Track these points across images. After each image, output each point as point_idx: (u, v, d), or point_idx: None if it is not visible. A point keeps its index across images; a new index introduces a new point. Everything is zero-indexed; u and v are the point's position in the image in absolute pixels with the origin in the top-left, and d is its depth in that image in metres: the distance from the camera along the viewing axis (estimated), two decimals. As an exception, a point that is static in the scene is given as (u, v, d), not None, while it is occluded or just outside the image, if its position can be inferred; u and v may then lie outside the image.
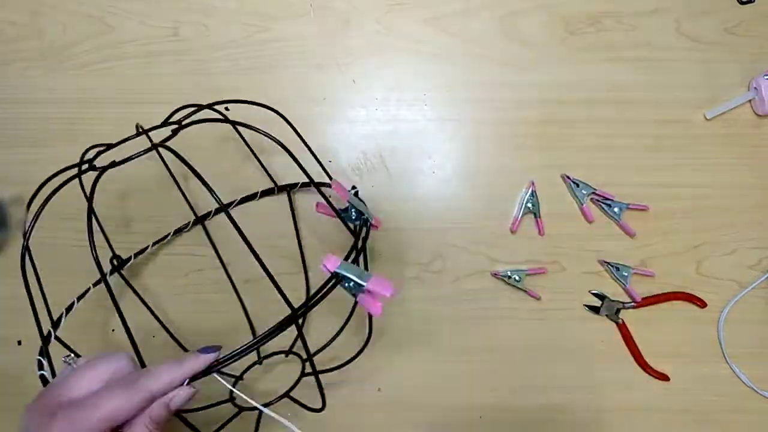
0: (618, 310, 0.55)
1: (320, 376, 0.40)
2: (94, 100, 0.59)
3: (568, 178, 0.56)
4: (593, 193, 0.56)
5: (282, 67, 0.59)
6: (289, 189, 0.56)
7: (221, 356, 0.35)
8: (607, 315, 0.55)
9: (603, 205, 0.56)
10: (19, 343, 0.56)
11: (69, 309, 0.48)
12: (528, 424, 0.54)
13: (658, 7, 0.59)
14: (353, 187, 0.51)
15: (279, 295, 0.34)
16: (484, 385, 0.54)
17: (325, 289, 0.37)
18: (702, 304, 0.55)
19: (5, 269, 0.55)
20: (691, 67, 0.58)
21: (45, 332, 0.41)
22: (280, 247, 0.56)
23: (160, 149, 0.36)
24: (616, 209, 0.55)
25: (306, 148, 0.47)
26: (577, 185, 0.56)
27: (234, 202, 0.57)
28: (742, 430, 0.53)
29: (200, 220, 0.57)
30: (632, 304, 0.54)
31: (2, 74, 0.60)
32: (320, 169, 0.49)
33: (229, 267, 0.56)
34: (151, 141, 0.37)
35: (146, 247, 0.55)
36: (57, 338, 0.43)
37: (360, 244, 0.41)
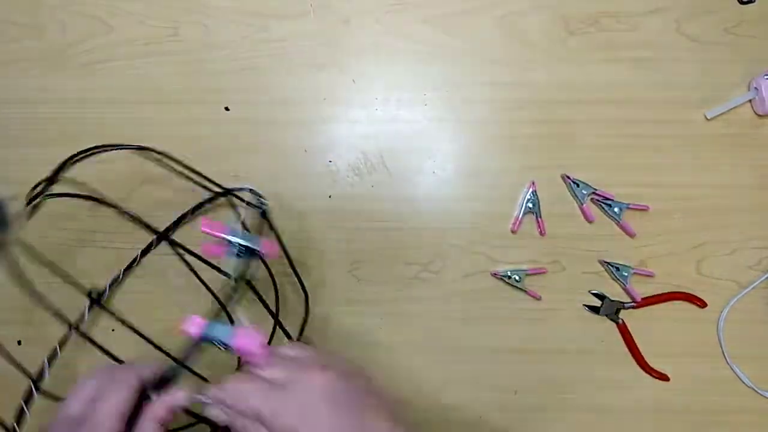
0: (618, 310, 0.55)
1: None
2: (94, 100, 0.59)
3: (568, 178, 0.56)
4: (593, 193, 0.56)
5: (282, 67, 0.59)
6: (227, 193, 0.55)
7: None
8: (607, 315, 0.55)
9: (603, 205, 0.56)
10: (19, 343, 0.56)
11: (51, 359, 0.47)
12: (528, 424, 0.54)
13: (658, 7, 0.59)
14: (261, 205, 0.47)
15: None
16: (484, 385, 0.54)
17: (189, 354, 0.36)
18: (702, 304, 0.55)
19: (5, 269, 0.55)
20: (691, 67, 0.58)
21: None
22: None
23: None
24: (616, 209, 0.55)
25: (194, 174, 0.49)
26: (577, 185, 0.56)
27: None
28: (742, 430, 0.53)
29: (96, 301, 0.55)
30: (632, 304, 0.54)
31: (2, 74, 0.60)
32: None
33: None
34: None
35: (118, 276, 0.55)
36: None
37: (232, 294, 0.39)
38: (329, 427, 0.34)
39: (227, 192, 0.52)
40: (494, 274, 0.55)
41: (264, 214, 0.45)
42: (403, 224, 0.57)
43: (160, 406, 0.35)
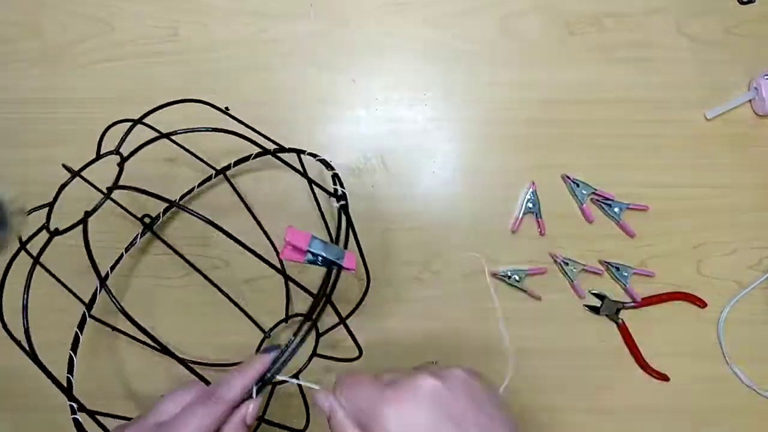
0: (618, 310, 0.55)
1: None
2: (95, 100, 0.59)
3: (568, 178, 0.56)
4: (593, 193, 0.56)
5: (282, 67, 0.59)
6: (224, 171, 0.55)
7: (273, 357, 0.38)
8: (607, 315, 0.55)
9: (603, 205, 0.56)
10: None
11: (70, 368, 0.46)
12: (528, 424, 0.54)
13: (658, 7, 0.59)
14: (341, 216, 0.46)
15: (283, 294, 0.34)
16: (484, 385, 0.54)
17: (331, 281, 0.37)
18: (702, 304, 0.55)
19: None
20: (691, 67, 0.58)
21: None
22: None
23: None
24: (616, 209, 0.55)
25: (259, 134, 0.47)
26: (577, 185, 0.56)
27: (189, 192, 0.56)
28: (742, 430, 0.53)
29: (149, 226, 0.55)
30: (632, 304, 0.55)
31: (2, 74, 0.60)
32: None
33: (229, 267, 0.56)
34: (99, 190, 0.35)
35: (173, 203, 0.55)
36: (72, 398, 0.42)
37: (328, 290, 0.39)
38: None
39: (302, 152, 0.50)
40: (494, 274, 0.55)
41: (343, 198, 0.43)
42: (403, 224, 0.57)
43: (234, 427, 0.36)
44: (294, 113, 0.59)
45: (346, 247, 0.37)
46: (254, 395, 0.36)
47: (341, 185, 0.43)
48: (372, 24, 0.60)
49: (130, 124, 0.41)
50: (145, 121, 0.42)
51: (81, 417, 0.40)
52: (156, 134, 0.41)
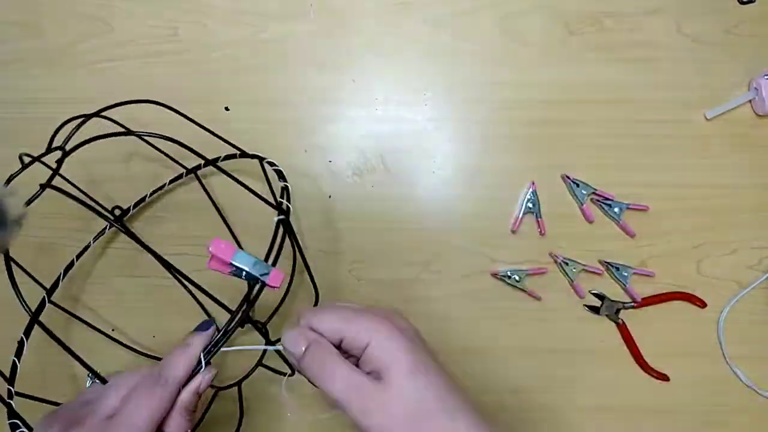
0: (618, 310, 0.55)
1: None
2: (94, 100, 0.59)
3: (568, 178, 0.56)
4: (593, 193, 0.56)
5: (282, 67, 0.59)
6: (195, 170, 0.56)
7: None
8: (607, 315, 0.55)
9: (603, 205, 0.56)
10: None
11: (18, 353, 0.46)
12: (528, 424, 0.54)
13: (658, 7, 0.59)
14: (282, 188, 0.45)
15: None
16: (484, 385, 0.54)
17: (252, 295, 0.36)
18: (702, 304, 0.55)
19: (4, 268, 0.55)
20: (691, 67, 0.58)
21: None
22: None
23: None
24: (616, 209, 0.55)
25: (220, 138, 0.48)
26: (577, 185, 0.56)
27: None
28: (742, 430, 0.53)
29: (118, 220, 0.55)
30: (632, 304, 0.54)
31: (2, 74, 0.60)
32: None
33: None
34: (58, 186, 0.36)
35: (144, 198, 0.55)
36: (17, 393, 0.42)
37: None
38: (404, 351, 0.33)
39: (253, 156, 0.50)
40: (494, 274, 0.55)
41: (285, 213, 0.42)
42: (403, 224, 0.57)
43: (185, 395, 0.35)
44: (294, 113, 0.59)
45: (275, 264, 0.37)
46: (203, 366, 0.36)
47: (288, 200, 0.42)
48: (372, 24, 0.60)
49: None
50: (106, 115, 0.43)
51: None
52: (112, 132, 0.41)
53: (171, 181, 0.57)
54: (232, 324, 0.35)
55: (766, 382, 0.53)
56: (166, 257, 0.35)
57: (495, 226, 0.56)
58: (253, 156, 0.48)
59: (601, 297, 0.55)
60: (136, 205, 0.56)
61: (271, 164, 0.48)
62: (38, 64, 0.60)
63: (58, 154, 0.41)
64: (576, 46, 0.59)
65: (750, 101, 0.57)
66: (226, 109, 0.59)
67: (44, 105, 0.59)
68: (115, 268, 0.57)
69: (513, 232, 0.56)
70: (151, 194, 0.57)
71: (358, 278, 0.56)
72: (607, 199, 0.56)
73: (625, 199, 0.56)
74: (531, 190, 0.56)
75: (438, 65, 0.59)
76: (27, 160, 0.39)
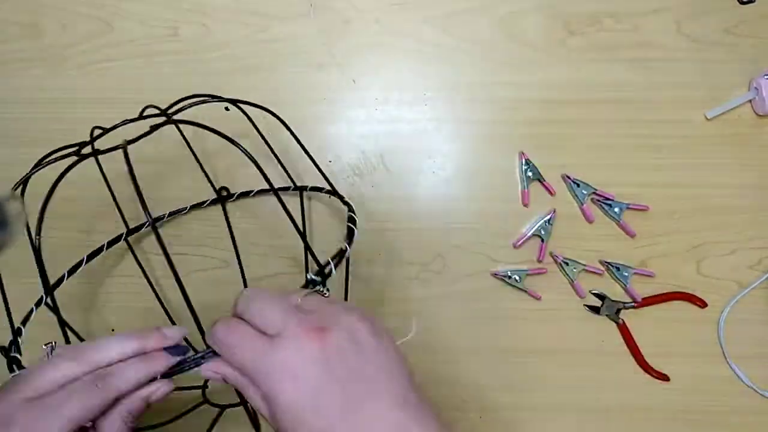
0: (618, 310, 0.55)
1: None
2: (95, 100, 0.59)
3: (568, 178, 0.56)
4: (593, 193, 0.56)
5: (282, 67, 0.59)
6: (224, 199, 0.56)
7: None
8: (607, 315, 0.55)
9: (603, 205, 0.56)
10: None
11: (19, 331, 0.44)
12: (527, 424, 0.54)
13: (658, 7, 0.59)
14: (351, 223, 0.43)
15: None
16: (484, 385, 0.54)
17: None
18: (702, 304, 0.55)
19: (5, 268, 0.55)
20: (691, 67, 0.58)
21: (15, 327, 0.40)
22: (278, 248, 0.56)
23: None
24: (616, 209, 0.55)
25: (305, 153, 0.48)
26: (577, 185, 0.56)
27: (233, 194, 0.57)
28: (742, 430, 0.53)
29: (151, 221, 0.54)
30: (632, 304, 0.55)
31: (2, 74, 0.60)
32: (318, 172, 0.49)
33: (229, 267, 0.56)
34: (167, 115, 0.36)
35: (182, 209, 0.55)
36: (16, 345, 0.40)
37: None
38: (312, 404, 0.29)
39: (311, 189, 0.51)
40: (494, 274, 0.55)
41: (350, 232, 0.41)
42: (403, 224, 0.57)
43: (133, 399, 0.33)
44: (294, 113, 0.58)
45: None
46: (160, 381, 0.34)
47: (351, 239, 0.40)
48: (372, 24, 0.60)
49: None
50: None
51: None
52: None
53: (192, 207, 0.57)
54: (200, 357, 0.33)
55: (766, 383, 0.54)
56: (175, 256, 0.34)
57: (495, 226, 0.56)
58: (341, 198, 0.48)
59: (601, 297, 0.55)
60: (171, 214, 0.56)
61: (347, 205, 0.46)
62: (38, 64, 0.60)
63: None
64: (576, 46, 0.59)
65: (750, 101, 0.57)
66: (226, 109, 0.59)
67: (44, 105, 0.59)
68: (115, 268, 0.57)
69: (516, 247, 0.56)
70: (169, 215, 0.56)
71: (358, 278, 0.56)
72: (607, 199, 0.56)
73: (625, 199, 0.56)
74: (523, 159, 0.56)
75: (438, 65, 0.59)
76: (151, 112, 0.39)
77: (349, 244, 0.39)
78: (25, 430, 0.30)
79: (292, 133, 0.49)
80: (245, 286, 0.55)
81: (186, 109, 0.41)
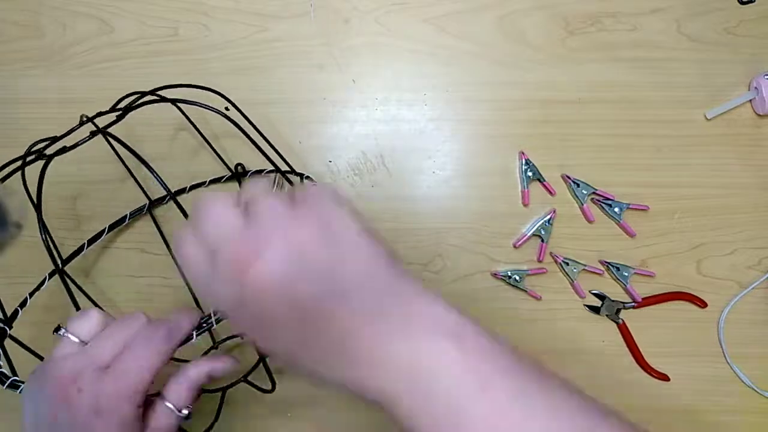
0: (618, 310, 0.55)
1: None
2: (94, 100, 0.59)
3: (568, 178, 0.56)
4: (593, 193, 0.56)
5: (282, 67, 0.59)
6: (240, 176, 0.55)
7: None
8: (607, 315, 0.55)
9: (603, 205, 0.56)
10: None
11: (23, 304, 0.47)
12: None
13: (658, 7, 0.59)
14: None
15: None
16: (484, 385, 0.54)
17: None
18: (702, 304, 0.55)
19: (5, 269, 0.55)
20: (691, 67, 0.58)
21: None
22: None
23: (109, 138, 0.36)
24: (616, 209, 0.55)
25: (262, 138, 0.48)
26: (577, 185, 0.56)
27: (184, 189, 0.56)
28: (742, 430, 0.53)
29: (149, 209, 0.55)
30: (632, 304, 0.54)
31: (2, 74, 0.60)
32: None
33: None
34: (96, 126, 0.36)
35: (98, 235, 0.53)
36: (11, 337, 0.42)
37: None
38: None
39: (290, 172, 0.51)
40: (494, 274, 0.55)
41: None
42: (403, 224, 0.57)
43: (195, 370, 0.34)
44: (294, 113, 0.59)
45: None
46: (213, 323, 0.35)
47: None
48: (372, 24, 0.60)
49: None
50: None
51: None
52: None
53: (211, 181, 0.57)
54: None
55: (766, 383, 0.53)
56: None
57: (495, 226, 0.56)
58: (299, 174, 0.50)
59: (601, 297, 0.55)
60: (176, 193, 0.55)
61: (311, 180, 0.49)
62: (38, 64, 0.60)
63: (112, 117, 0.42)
64: (576, 46, 0.59)
65: (750, 101, 0.57)
66: (226, 109, 0.58)
67: (44, 105, 0.59)
68: (114, 269, 0.57)
69: (516, 247, 0.56)
70: (189, 189, 0.56)
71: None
72: (607, 199, 0.56)
73: (625, 199, 0.56)
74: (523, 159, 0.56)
75: (438, 65, 0.59)
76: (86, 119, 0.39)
77: None
78: (112, 399, 0.31)
79: (244, 116, 0.49)
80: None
81: (133, 110, 0.40)
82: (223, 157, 0.55)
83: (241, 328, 0.30)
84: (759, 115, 0.57)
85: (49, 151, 0.39)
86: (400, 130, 0.58)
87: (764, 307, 0.55)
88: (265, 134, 0.50)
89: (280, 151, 0.51)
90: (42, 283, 0.47)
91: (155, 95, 0.41)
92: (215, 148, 0.54)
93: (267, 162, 0.45)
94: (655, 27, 0.59)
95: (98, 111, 0.40)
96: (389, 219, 0.57)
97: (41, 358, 0.35)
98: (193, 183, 0.57)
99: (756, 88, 0.56)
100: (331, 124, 0.59)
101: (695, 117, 0.57)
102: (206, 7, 0.60)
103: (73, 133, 0.39)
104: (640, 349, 0.54)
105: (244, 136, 0.44)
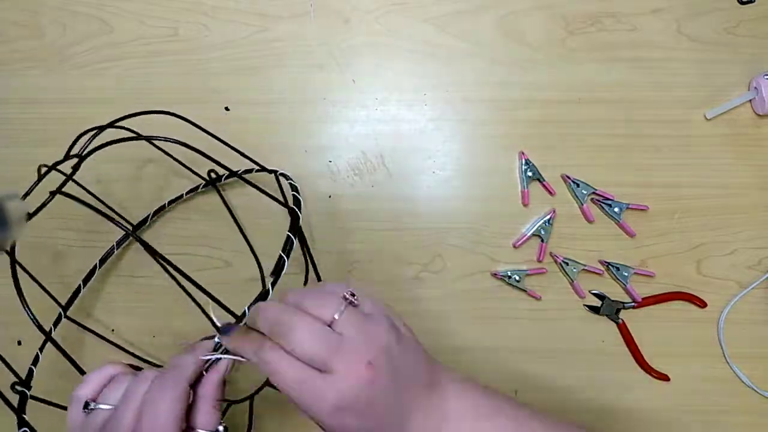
0: (618, 310, 0.55)
1: None
2: (94, 100, 0.59)
3: (568, 178, 0.56)
4: (593, 193, 0.56)
5: (282, 67, 0.59)
6: (215, 182, 0.55)
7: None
8: (607, 315, 0.55)
9: (603, 205, 0.56)
10: (19, 343, 0.56)
11: (35, 362, 0.47)
12: (528, 424, 0.53)
13: (658, 7, 0.59)
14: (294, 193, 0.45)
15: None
16: (484, 384, 0.54)
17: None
18: (702, 304, 0.55)
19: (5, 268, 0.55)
20: (691, 67, 0.58)
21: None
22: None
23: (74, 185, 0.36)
24: (616, 209, 0.55)
25: (232, 149, 0.48)
26: (577, 185, 0.56)
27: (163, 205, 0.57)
28: (742, 430, 0.53)
29: (135, 230, 0.56)
30: (632, 304, 0.55)
31: (2, 74, 0.60)
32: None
33: (230, 267, 0.56)
34: (68, 193, 0.37)
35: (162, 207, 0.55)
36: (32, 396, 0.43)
37: None
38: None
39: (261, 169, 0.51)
40: (494, 274, 0.55)
41: (296, 204, 0.43)
42: (403, 224, 0.57)
43: (208, 386, 0.35)
44: (294, 113, 0.59)
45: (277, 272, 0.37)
46: (218, 347, 0.35)
47: (299, 210, 0.42)
48: (372, 24, 0.60)
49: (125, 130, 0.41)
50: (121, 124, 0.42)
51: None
52: (127, 139, 0.41)
53: (189, 192, 0.57)
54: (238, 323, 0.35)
55: (766, 383, 0.54)
56: (170, 256, 0.35)
57: (495, 226, 0.56)
58: (271, 171, 0.49)
59: (601, 297, 0.55)
60: (155, 213, 0.57)
61: (286, 177, 0.49)
62: (38, 64, 0.60)
63: (73, 162, 0.41)
64: (576, 46, 0.59)
65: (750, 101, 0.57)
66: (226, 109, 0.59)
67: (44, 105, 0.59)
68: (115, 269, 0.57)
69: (515, 247, 0.56)
70: (170, 203, 0.57)
71: (358, 278, 0.56)
72: (607, 199, 0.56)
73: (624, 199, 0.56)
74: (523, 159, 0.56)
75: (438, 65, 0.59)
76: (44, 170, 0.39)
77: (295, 227, 0.40)
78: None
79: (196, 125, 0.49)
80: (258, 265, 0.55)
81: (95, 151, 0.41)
82: (192, 167, 0.54)
83: (336, 422, 0.32)
84: (759, 115, 0.57)
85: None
86: (400, 130, 0.58)
87: (764, 307, 0.55)
88: (261, 135, 0.50)
89: (265, 152, 0.51)
90: (49, 333, 0.47)
91: (115, 127, 0.42)
92: (182, 161, 0.53)
93: (235, 165, 0.45)
94: (654, 27, 0.59)
95: (54, 162, 0.40)
96: (389, 219, 0.57)
97: (64, 408, 0.36)
98: (171, 198, 0.57)
99: (756, 88, 0.56)
100: (331, 124, 0.59)
101: (695, 117, 0.57)
102: (206, 7, 0.60)
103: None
104: (640, 349, 0.54)
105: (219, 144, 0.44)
